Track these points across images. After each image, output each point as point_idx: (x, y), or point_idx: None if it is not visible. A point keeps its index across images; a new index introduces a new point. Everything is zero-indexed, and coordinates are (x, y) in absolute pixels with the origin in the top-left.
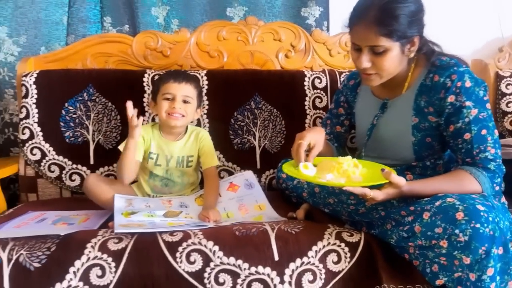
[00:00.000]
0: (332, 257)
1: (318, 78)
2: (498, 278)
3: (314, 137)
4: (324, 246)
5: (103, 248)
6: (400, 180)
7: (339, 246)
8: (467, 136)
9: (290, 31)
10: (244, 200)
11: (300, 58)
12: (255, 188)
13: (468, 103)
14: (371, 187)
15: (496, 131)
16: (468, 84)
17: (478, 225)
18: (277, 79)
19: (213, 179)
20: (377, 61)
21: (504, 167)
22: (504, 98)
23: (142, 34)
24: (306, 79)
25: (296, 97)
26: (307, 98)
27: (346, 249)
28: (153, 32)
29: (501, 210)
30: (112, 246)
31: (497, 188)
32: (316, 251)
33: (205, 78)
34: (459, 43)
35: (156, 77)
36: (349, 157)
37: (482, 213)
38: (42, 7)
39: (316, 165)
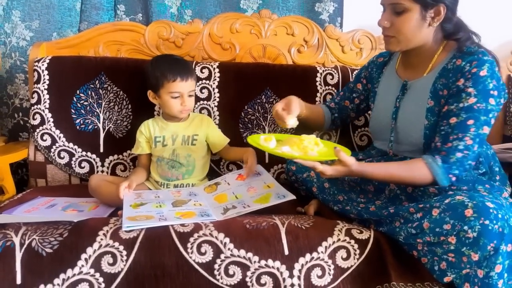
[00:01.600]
0: (342, 253)
1: (330, 74)
2: (506, 275)
3: (285, 100)
4: (334, 242)
5: (115, 236)
6: (347, 160)
7: (348, 242)
8: (452, 120)
9: (303, 26)
10: (252, 183)
11: (312, 53)
12: (263, 174)
13: (470, 90)
14: (324, 163)
15: (486, 128)
16: (483, 73)
17: (487, 222)
18: (289, 73)
19: (233, 147)
20: (396, 22)
21: (471, 162)
22: None
23: (155, 23)
24: (318, 75)
25: (308, 93)
26: (318, 94)
27: (356, 245)
28: (166, 22)
29: (510, 208)
30: (124, 234)
31: (454, 179)
32: (326, 246)
33: (217, 70)
34: None
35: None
36: (312, 136)
37: (491, 210)
38: None
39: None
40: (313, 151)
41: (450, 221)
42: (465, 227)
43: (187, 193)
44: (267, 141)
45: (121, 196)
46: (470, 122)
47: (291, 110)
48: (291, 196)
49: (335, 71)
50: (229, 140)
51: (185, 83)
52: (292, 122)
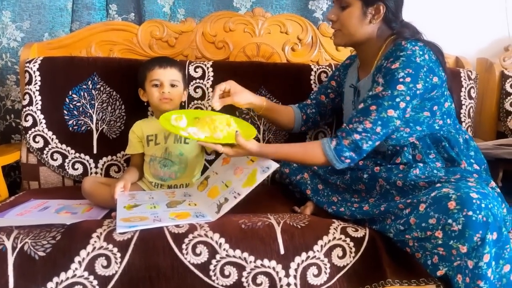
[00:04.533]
0: (337, 251)
1: (324, 72)
2: (493, 263)
3: (236, 86)
4: (329, 241)
5: (109, 238)
6: (245, 144)
7: (344, 241)
8: (360, 105)
9: (297, 24)
10: (237, 163)
11: (306, 51)
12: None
13: (380, 80)
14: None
15: (391, 111)
16: (395, 66)
17: (470, 213)
18: (283, 72)
19: None
20: (341, 16)
21: (367, 146)
22: (509, 98)
23: (147, 23)
24: (312, 73)
25: (302, 91)
26: (312, 92)
27: (351, 244)
28: (159, 21)
29: (495, 197)
30: (118, 236)
31: (347, 161)
32: (321, 245)
33: (210, 69)
34: (464, 41)
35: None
36: (225, 115)
37: (474, 201)
38: None
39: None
40: (223, 132)
41: (435, 215)
42: (449, 220)
43: (181, 193)
44: (177, 121)
45: (116, 196)
46: (373, 107)
47: (224, 99)
48: (274, 165)
49: (329, 69)
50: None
51: (164, 70)
52: (216, 104)
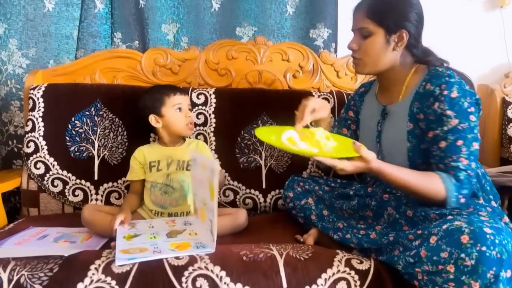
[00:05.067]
0: (342, 285)
1: (326, 99)
2: None
3: (320, 103)
4: (333, 274)
5: (107, 270)
6: (369, 155)
7: (348, 274)
8: (442, 144)
9: (298, 52)
10: (196, 174)
11: (307, 78)
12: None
13: (449, 113)
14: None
15: (475, 144)
16: (454, 94)
17: (484, 248)
18: (285, 99)
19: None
20: (363, 45)
21: (475, 181)
22: (511, 124)
23: (151, 50)
24: None
25: None
26: (332, 126)
27: (356, 277)
28: (163, 49)
29: (509, 233)
30: (117, 268)
31: (462, 200)
32: (325, 278)
33: (213, 96)
34: (464, 68)
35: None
36: (321, 128)
37: (488, 236)
38: (54, 21)
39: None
40: (327, 146)
41: (447, 249)
42: (462, 255)
43: (182, 222)
44: (291, 143)
45: (115, 227)
46: (460, 142)
47: (314, 115)
48: (218, 166)
49: (331, 96)
50: (220, 169)
51: (184, 97)
52: (308, 118)
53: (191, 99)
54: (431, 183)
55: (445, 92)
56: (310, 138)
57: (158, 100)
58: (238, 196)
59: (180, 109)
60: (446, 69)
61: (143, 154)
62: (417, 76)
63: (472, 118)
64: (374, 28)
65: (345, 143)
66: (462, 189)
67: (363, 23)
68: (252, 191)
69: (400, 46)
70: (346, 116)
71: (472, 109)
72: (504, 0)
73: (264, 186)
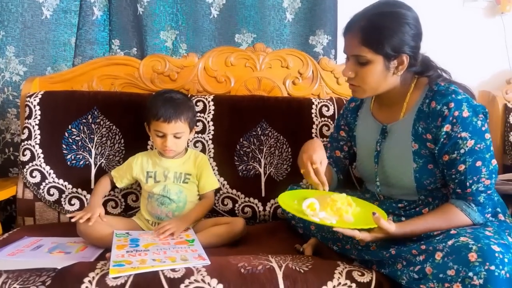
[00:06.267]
0: None
1: (326, 106)
2: None
3: (320, 155)
4: (334, 287)
5: (101, 283)
6: (389, 227)
7: (349, 286)
8: (461, 167)
9: (297, 59)
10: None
11: (307, 85)
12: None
13: (464, 134)
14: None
15: (493, 161)
16: (466, 114)
17: (493, 267)
18: (284, 106)
19: (207, 198)
20: (360, 72)
21: (496, 195)
22: None
23: (149, 57)
24: (314, 106)
25: (303, 125)
26: (314, 126)
27: None
28: (161, 56)
29: None
30: (111, 281)
31: (488, 216)
32: None
33: (211, 103)
34: (466, 74)
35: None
36: (343, 195)
37: (497, 254)
38: (51, 28)
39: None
40: (348, 214)
41: (454, 266)
42: (470, 274)
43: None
44: (311, 209)
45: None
46: (479, 163)
47: (322, 170)
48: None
49: (331, 103)
50: (217, 186)
51: (168, 125)
52: (327, 187)
53: None
54: (455, 220)
55: (456, 113)
56: (331, 205)
57: (148, 115)
58: (237, 205)
59: (159, 136)
60: (449, 84)
61: (141, 162)
62: (418, 92)
63: (487, 136)
64: (372, 56)
65: (366, 211)
66: (485, 210)
67: (359, 51)
68: (251, 199)
69: (401, 70)
70: (338, 136)
71: (486, 126)
72: (505, 6)
73: (263, 195)
